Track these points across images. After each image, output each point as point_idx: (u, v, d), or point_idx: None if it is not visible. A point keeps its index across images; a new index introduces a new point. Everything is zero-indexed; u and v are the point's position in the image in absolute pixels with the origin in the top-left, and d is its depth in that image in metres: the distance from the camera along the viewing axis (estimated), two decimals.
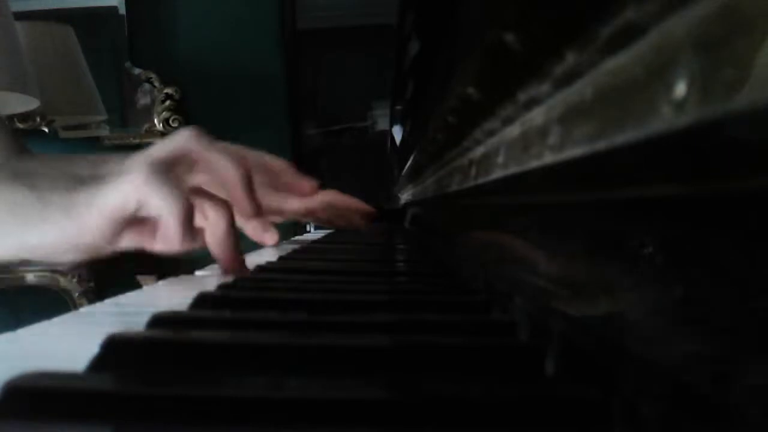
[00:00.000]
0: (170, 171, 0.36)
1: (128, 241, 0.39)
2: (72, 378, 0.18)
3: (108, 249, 0.38)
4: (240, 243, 0.42)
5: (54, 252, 0.36)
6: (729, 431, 0.11)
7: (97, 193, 0.35)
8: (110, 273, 1.64)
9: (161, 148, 0.38)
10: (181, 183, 0.36)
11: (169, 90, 1.89)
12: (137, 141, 1.91)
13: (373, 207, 0.79)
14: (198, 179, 0.42)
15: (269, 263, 0.49)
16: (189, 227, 0.35)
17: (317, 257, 0.61)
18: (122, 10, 1.91)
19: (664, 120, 0.12)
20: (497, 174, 0.30)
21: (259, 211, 0.44)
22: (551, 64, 0.20)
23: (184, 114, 1.91)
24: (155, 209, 0.35)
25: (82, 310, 0.33)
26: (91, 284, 1.66)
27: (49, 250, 0.36)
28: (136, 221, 0.37)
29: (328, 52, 2.23)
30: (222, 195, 0.41)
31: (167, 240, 0.36)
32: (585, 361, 0.18)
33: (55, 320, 0.29)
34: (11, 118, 1.83)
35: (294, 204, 0.67)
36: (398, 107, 0.91)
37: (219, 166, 0.41)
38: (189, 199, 0.36)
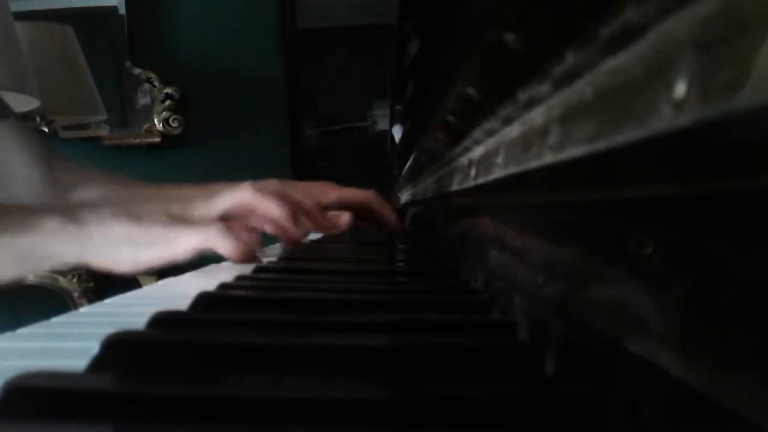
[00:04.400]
0: (232, 229, 0.51)
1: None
2: (72, 378, 0.18)
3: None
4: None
5: (152, 267, 0.52)
6: (729, 431, 0.11)
7: (184, 233, 0.50)
8: (110, 273, 1.63)
9: (225, 203, 0.55)
10: (241, 234, 0.51)
11: (169, 90, 1.89)
12: (137, 141, 1.91)
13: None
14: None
15: (269, 263, 0.49)
16: (245, 257, 0.51)
17: (317, 257, 0.61)
18: (122, 10, 1.91)
19: (663, 120, 0.12)
20: (497, 174, 0.30)
21: (300, 235, 0.61)
22: (551, 64, 0.20)
23: (184, 114, 1.91)
24: (221, 251, 0.50)
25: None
26: (91, 284, 1.66)
27: (150, 267, 0.52)
28: None
29: (328, 52, 2.23)
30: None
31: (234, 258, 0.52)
32: (584, 361, 0.18)
33: (57, 320, 0.29)
34: None
35: (344, 217, 0.81)
36: (398, 107, 0.91)
37: (268, 210, 0.57)
38: (247, 240, 0.51)
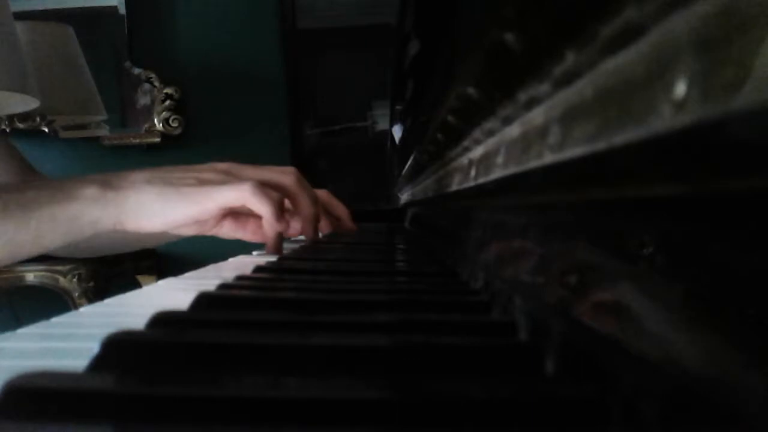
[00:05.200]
0: (269, 190, 0.54)
1: (227, 229, 0.60)
2: (72, 378, 0.18)
3: (212, 231, 0.60)
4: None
5: (181, 226, 0.55)
6: (728, 431, 0.11)
7: (217, 189, 0.53)
8: (110, 273, 1.64)
9: (269, 174, 0.59)
10: (275, 196, 0.54)
11: (169, 90, 1.89)
12: (137, 141, 1.91)
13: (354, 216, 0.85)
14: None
15: (269, 263, 0.49)
16: (280, 221, 0.54)
17: (317, 257, 0.61)
18: (122, 10, 1.91)
19: (663, 120, 0.12)
20: (497, 174, 0.30)
21: (315, 235, 0.65)
22: (551, 64, 0.20)
23: (184, 114, 1.91)
24: (256, 209, 0.53)
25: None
26: (91, 284, 1.66)
27: (180, 224, 0.54)
28: (237, 216, 0.60)
29: (328, 52, 2.23)
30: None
31: (263, 232, 0.58)
32: (584, 361, 0.18)
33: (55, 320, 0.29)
34: (11, 118, 1.83)
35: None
36: (398, 107, 0.91)
37: (302, 204, 0.61)
38: (281, 203, 0.55)
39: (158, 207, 0.54)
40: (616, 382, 0.15)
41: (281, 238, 0.59)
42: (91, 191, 0.54)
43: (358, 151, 2.11)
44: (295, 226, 0.66)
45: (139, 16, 1.90)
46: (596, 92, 0.17)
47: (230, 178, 0.55)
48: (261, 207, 0.52)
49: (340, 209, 0.79)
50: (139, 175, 0.56)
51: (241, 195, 0.52)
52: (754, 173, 0.10)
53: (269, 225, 0.54)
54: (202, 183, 0.54)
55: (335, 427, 0.16)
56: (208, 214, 0.53)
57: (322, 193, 0.76)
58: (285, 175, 0.60)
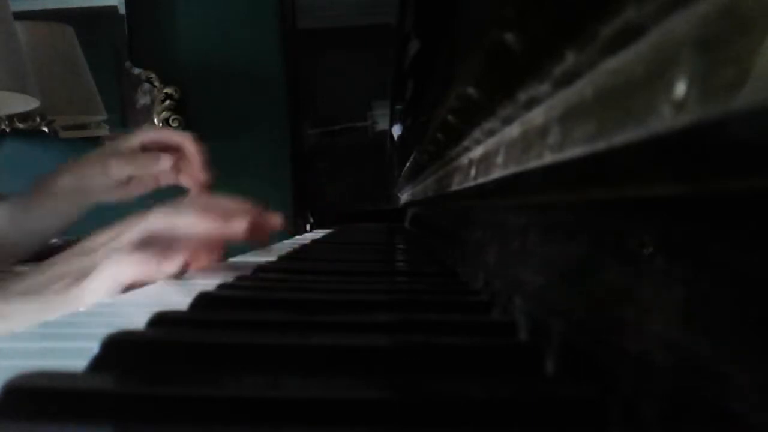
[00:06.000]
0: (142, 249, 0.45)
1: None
2: (72, 378, 0.18)
3: None
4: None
5: None
6: (728, 431, 0.11)
7: (87, 286, 0.44)
8: None
9: (130, 235, 0.47)
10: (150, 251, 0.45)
11: (169, 90, 1.89)
12: None
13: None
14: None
15: (269, 263, 0.49)
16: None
17: (317, 257, 0.61)
18: (122, 10, 1.90)
19: (663, 120, 0.12)
20: (497, 174, 0.30)
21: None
22: (551, 64, 0.20)
23: (184, 114, 1.91)
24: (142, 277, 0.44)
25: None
26: None
27: None
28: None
29: (328, 52, 2.23)
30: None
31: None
32: (584, 361, 0.18)
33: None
34: (11, 118, 1.83)
35: None
36: (398, 107, 0.91)
37: (189, 228, 0.48)
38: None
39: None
40: (616, 382, 0.15)
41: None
42: None
43: (358, 151, 2.10)
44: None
45: (139, 16, 1.90)
46: (596, 92, 0.17)
47: (97, 262, 0.46)
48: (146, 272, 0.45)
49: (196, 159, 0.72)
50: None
51: (113, 279, 0.45)
52: (754, 173, 0.10)
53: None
54: (73, 282, 0.46)
55: (335, 427, 0.16)
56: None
57: (184, 137, 0.73)
58: (150, 224, 0.49)
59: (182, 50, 1.92)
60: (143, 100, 1.96)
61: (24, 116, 1.81)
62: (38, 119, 1.84)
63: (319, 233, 1.15)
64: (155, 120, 1.89)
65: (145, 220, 0.47)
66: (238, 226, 0.48)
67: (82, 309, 0.33)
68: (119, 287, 0.44)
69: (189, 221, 0.48)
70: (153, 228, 0.47)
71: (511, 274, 0.29)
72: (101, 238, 0.48)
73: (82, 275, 0.46)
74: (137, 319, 0.24)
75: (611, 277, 0.18)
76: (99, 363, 0.19)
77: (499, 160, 0.30)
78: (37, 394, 0.16)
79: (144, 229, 0.47)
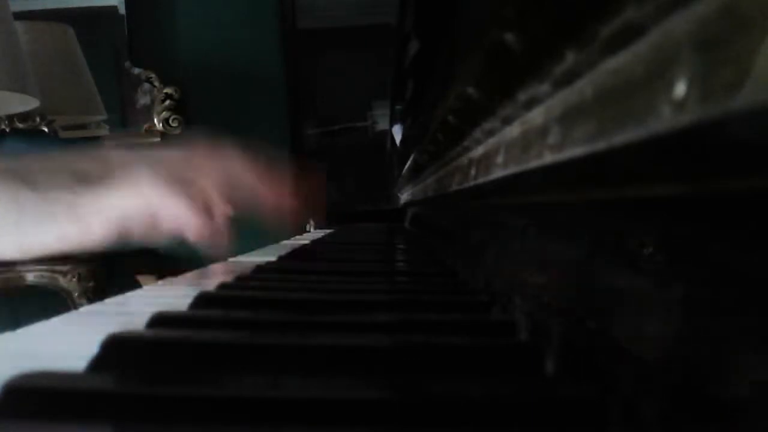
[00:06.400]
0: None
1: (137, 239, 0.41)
2: (72, 378, 0.18)
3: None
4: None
5: (55, 253, 0.38)
6: (728, 431, 0.11)
7: (106, 195, 0.37)
8: (110, 273, 1.63)
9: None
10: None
11: (169, 90, 1.89)
12: (137, 141, 1.91)
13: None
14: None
15: (269, 263, 0.49)
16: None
17: (317, 257, 0.61)
18: (122, 10, 1.90)
19: (663, 120, 0.12)
20: (497, 174, 0.30)
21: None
22: (551, 64, 0.20)
23: (184, 114, 1.91)
24: (172, 217, 0.38)
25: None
26: (91, 284, 1.66)
27: (50, 251, 0.38)
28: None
29: (328, 52, 2.23)
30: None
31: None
32: (584, 361, 0.18)
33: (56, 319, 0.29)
34: (11, 118, 1.83)
35: None
36: (398, 107, 0.91)
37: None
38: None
39: (9, 222, 0.39)
40: (616, 382, 0.15)
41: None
42: None
43: (358, 151, 2.10)
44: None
45: (139, 16, 1.90)
46: (596, 92, 0.17)
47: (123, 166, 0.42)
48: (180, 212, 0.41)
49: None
50: None
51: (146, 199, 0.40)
52: (754, 173, 0.10)
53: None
54: (81, 181, 0.40)
55: (335, 427, 0.16)
56: (99, 239, 0.40)
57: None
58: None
59: (182, 50, 1.92)
60: (143, 100, 1.96)
61: (24, 116, 1.81)
62: (38, 119, 1.84)
63: (319, 233, 1.15)
64: (155, 120, 1.89)
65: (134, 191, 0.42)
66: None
67: (82, 309, 0.33)
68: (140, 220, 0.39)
69: (174, 210, 0.43)
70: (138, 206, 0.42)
71: (511, 274, 0.29)
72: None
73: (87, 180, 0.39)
74: (137, 319, 0.24)
75: (611, 277, 0.18)
76: (99, 363, 0.19)
77: (499, 160, 0.30)
78: (38, 394, 0.16)
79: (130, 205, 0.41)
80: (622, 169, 0.16)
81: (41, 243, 0.39)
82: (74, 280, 1.63)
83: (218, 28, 1.91)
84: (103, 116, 1.88)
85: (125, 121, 1.99)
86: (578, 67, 0.18)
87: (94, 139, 1.92)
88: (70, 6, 1.95)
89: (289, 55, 1.94)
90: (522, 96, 0.24)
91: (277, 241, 0.81)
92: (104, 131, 1.94)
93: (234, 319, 0.26)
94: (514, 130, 0.27)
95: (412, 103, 0.74)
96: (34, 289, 1.63)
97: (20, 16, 1.59)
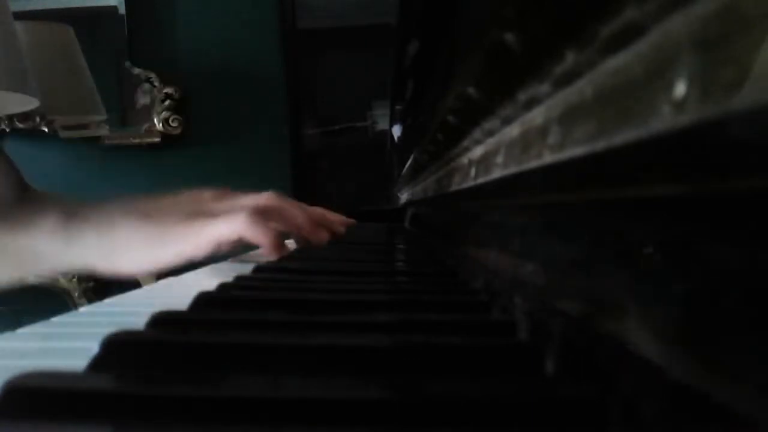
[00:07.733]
0: (262, 216, 0.49)
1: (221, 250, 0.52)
2: (72, 378, 0.18)
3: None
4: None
5: (170, 266, 0.49)
6: (728, 431, 0.11)
7: (210, 224, 0.48)
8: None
9: (255, 200, 0.52)
10: (273, 226, 0.50)
11: (168, 90, 1.89)
12: (137, 141, 1.91)
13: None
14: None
15: (269, 263, 0.49)
16: (278, 251, 0.50)
17: (317, 257, 0.61)
18: (122, 10, 1.90)
19: (663, 120, 0.12)
20: (497, 174, 0.30)
21: (322, 237, 0.59)
22: (551, 64, 0.20)
23: (184, 114, 1.91)
24: (255, 241, 0.48)
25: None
26: (91, 284, 1.66)
27: (169, 265, 0.49)
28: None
29: (328, 52, 2.23)
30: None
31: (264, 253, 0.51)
32: (584, 361, 0.18)
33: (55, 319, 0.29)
34: (11, 118, 1.83)
35: None
36: (398, 107, 0.91)
37: (291, 215, 0.55)
38: (278, 233, 0.50)
39: (142, 248, 0.47)
40: (616, 382, 0.15)
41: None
42: (47, 223, 0.47)
43: (358, 151, 2.10)
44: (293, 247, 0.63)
45: (139, 16, 1.90)
46: (596, 92, 0.17)
47: (222, 210, 0.49)
48: (259, 238, 0.47)
49: (335, 225, 0.71)
50: (115, 208, 0.49)
51: (237, 228, 0.47)
52: (754, 173, 0.10)
53: (269, 254, 0.49)
54: (191, 217, 0.49)
55: (335, 427, 0.16)
56: (202, 251, 0.47)
57: (317, 210, 0.70)
58: (270, 199, 0.54)
59: (182, 50, 1.92)
60: (143, 100, 1.96)
61: (24, 116, 1.81)
62: (38, 119, 1.84)
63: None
64: (155, 120, 1.89)
65: (261, 196, 0.52)
66: (323, 236, 0.58)
67: (82, 309, 0.33)
68: (230, 241, 0.47)
69: (294, 212, 0.55)
70: (268, 204, 0.52)
71: (510, 274, 0.29)
72: (212, 199, 0.52)
73: (195, 216, 0.48)
74: (137, 319, 0.24)
75: (611, 276, 0.18)
76: (99, 363, 0.19)
77: (499, 160, 0.30)
78: (38, 394, 0.16)
79: (262, 201, 0.51)
80: (622, 169, 0.16)
81: (161, 260, 0.48)
82: (74, 279, 1.63)
83: (218, 28, 1.91)
84: (103, 116, 1.88)
85: (125, 121, 1.99)
86: (578, 67, 0.18)
87: (94, 139, 1.92)
88: (70, 6, 1.95)
89: (289, 55, 1.94)
90: (522, 96, 0.24)
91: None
92: (104, 131, 1.94)
93: (234, 319, 0.26)
94: (514, 130, 0.27)
95: (412, 103, 0.74)
96: (34, 289, 1.63)
97: (20, 16, 1.59)
